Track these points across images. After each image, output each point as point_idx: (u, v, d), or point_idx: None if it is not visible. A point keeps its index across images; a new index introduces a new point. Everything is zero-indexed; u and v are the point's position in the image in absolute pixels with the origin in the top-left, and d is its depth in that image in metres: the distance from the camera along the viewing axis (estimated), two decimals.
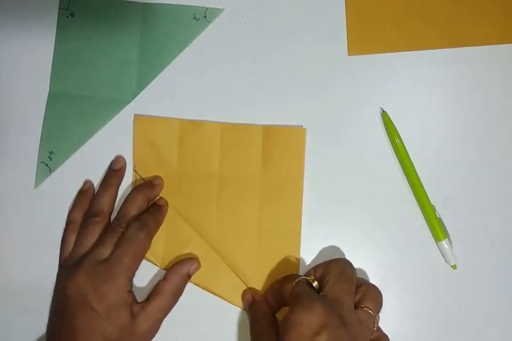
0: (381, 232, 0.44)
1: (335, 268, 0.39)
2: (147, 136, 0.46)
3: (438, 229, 0.43)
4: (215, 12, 0.46)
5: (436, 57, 0.45)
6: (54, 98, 0.47)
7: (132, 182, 0.46)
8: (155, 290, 0.42)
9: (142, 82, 0.46)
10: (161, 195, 0.45)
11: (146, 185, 0.44)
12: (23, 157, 0.46)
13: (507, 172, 0.44)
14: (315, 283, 0.39)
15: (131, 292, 0.41)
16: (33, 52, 0.47)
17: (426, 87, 0.45)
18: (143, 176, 0.45)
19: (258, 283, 0.43)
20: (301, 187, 0.44)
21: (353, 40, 0.46)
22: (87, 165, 0.46)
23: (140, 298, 0.42)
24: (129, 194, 0.44)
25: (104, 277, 0.40)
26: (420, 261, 0.44)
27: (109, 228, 0.43)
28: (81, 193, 0.45)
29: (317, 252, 0.44)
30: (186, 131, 0.45)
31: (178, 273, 0.42)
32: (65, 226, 0.45)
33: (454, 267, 0.43)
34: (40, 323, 0.44)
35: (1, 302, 0.45)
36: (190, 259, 0.43)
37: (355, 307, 0.37)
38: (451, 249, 0.43)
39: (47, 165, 0.46)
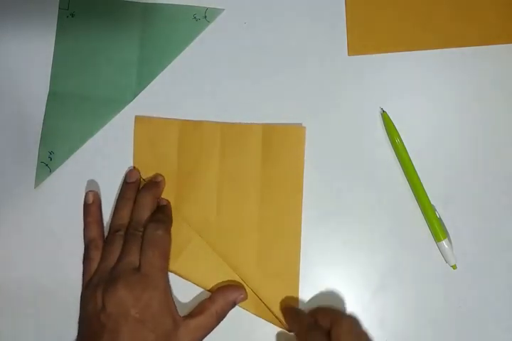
0: (381, 232, 0.44)
1: (344, 326, 0.38)
2: (147, 136, 0.46)
3: (438, 229, 0.43)
4: (215, 12, 0.46)
5: (435, 57, 0.45)
6: (54, 98, 0.47)
7: None
8: (199, 309, 0.42)
9: (142, 82, 0.46)
10: (162, 194, 0.45)
11: (151, 186, 0.44)
12: (23, 157, 0.46)
13: (507, 172, 0.44)
14: None
15: (171, 294, 0.41)
16: (33, 52, 0.47)
17: (426, 87, 0.45)
18: (143, 176, 0.45)
19: (258, 283, 0.43)
20: (301, 186, 0.44)
21: (353, 40, 0.46)
22: (87, 165, 0.46)
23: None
24: (138, 198, 0.44)
25: (143, 286, 0.39)
26: (420, 261, 0.44)
27: (128, 236, 0.42)
28: (89, 206, 0.44)
29: (317, 252, 0.44)
30: (186, 131, 0.45)
31: (226, 298, 0.42)
32: (84, 246, 0.43)
33: (454, 267, 0.43)
34: (41, 323, 0.44)
35: (1, 302, 0.45)
36: (240, 288, 0.43)
37: None
38: (451, 249, 0.43)
39: (47, 165, 0.46)
